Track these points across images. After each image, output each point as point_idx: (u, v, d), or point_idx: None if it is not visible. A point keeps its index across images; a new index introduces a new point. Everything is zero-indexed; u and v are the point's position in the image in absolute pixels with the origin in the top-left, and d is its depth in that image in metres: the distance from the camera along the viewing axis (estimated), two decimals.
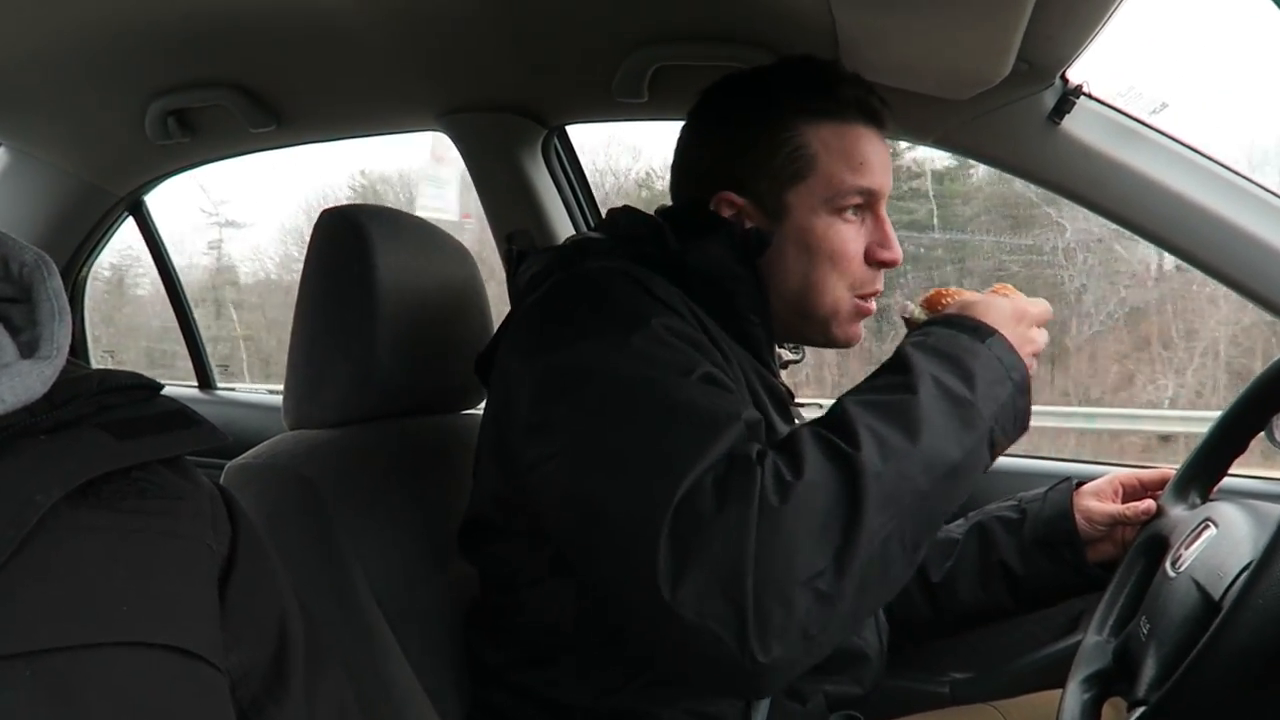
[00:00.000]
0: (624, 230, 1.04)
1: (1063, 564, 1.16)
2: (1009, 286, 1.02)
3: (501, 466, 0.93)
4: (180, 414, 0.56)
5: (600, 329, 0.88)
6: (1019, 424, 0.90)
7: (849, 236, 1.03)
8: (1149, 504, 1.11)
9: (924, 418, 0.82)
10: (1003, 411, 0.87)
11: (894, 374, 0.87)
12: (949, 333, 0.91)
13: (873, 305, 1.07)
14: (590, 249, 1.01)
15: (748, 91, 1.06)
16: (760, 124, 1.03)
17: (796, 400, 1.15)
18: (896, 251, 1.05)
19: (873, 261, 1.04)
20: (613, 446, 0.82)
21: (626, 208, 1.07)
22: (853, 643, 1.04)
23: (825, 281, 1.03)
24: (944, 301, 0.99)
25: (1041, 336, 0.97)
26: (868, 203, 1.04)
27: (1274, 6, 0.72)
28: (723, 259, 0.98)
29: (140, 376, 0.56)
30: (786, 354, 1.18)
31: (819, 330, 1.07)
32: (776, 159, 1.01)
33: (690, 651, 0.75)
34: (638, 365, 0.85)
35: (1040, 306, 0.98)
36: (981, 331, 0.91)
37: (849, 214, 1.03)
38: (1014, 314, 0.94)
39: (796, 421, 1.08)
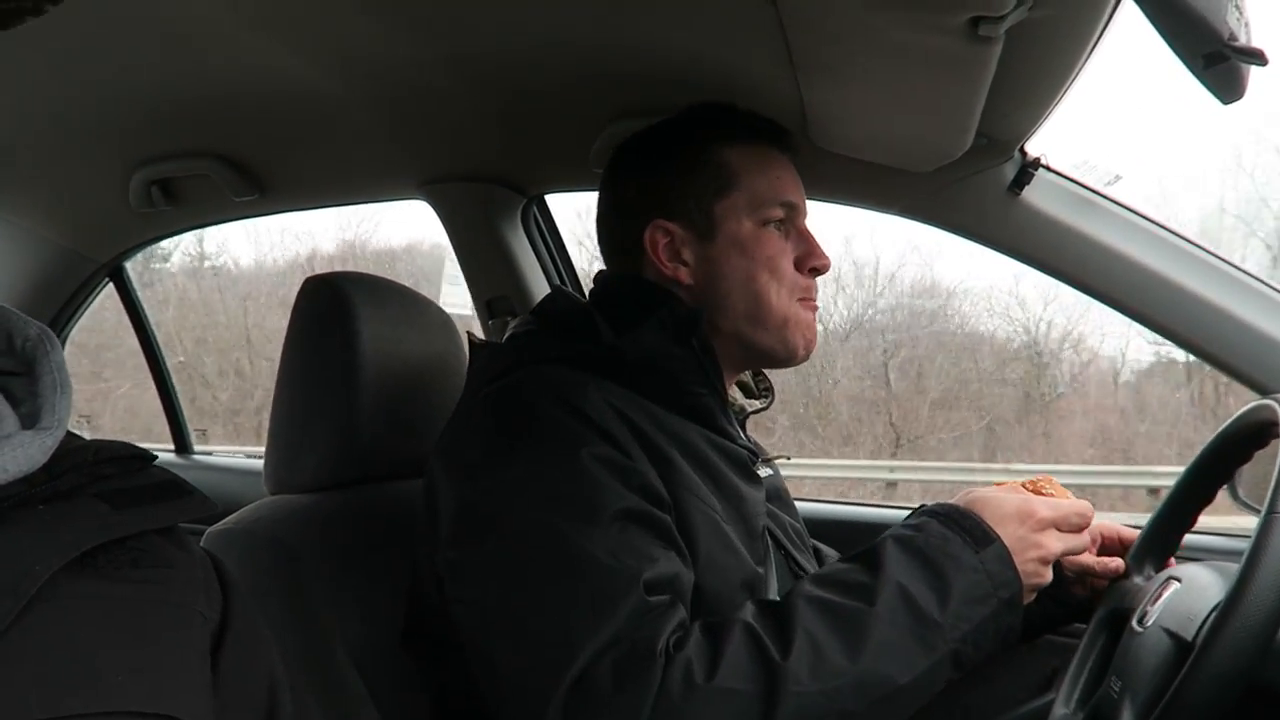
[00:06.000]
0: (557, 319, 1.06)
1: (1044, 597, 1.14)
2: (1050, 479, 1.01)
3: (427, 586, 0.94)
4: (173, 484, 0.57)
5: (518, 461, 0.89)
6: (1000, 641, 0.86)
7: (777, 247, 1.06)
8: (1119, 563, 1.11)
9: (873, 635, 0.80)
10: (978, 631, 0.84)
11: (862, 571, 0.85)
12: (941, 532, 0.88)
13: (816, 306, 1.10)
14: (527, 348, 1.02)
15: (663, 129, 1.12)
16: (680, 151, 1.09)
17: (765, 457, 1.15)
18: (826, 258, 1.09)
19: (804, 270, 1.08)
20: (513, 609, 0.84)
21: (559, 293, 1.10)
22: None
23: (768, 288, 1.05)
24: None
25: (1056, 541, 0.90)
26: (789, 217, 1.08)
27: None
28: (658, 345, 1.00)
29: (133, 447, 0.58)
30: (752, 405, 1.19)
31: (776, 341, 1.07)
32: (700, 178, 1.07)
33: None
34: (546, 513, 0.85)
35: (1061, 510, 0.92)
36: (978, 537, 0.87)
37: (773, 227, 1.07)
38: (1019, 514, 0.90)
39: (763, 475, 1.09)
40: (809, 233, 1.10)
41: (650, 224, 1.07)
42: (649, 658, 0.77)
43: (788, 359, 1.11)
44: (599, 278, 1.15)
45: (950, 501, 0.94)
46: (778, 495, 1.17)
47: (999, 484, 1.03)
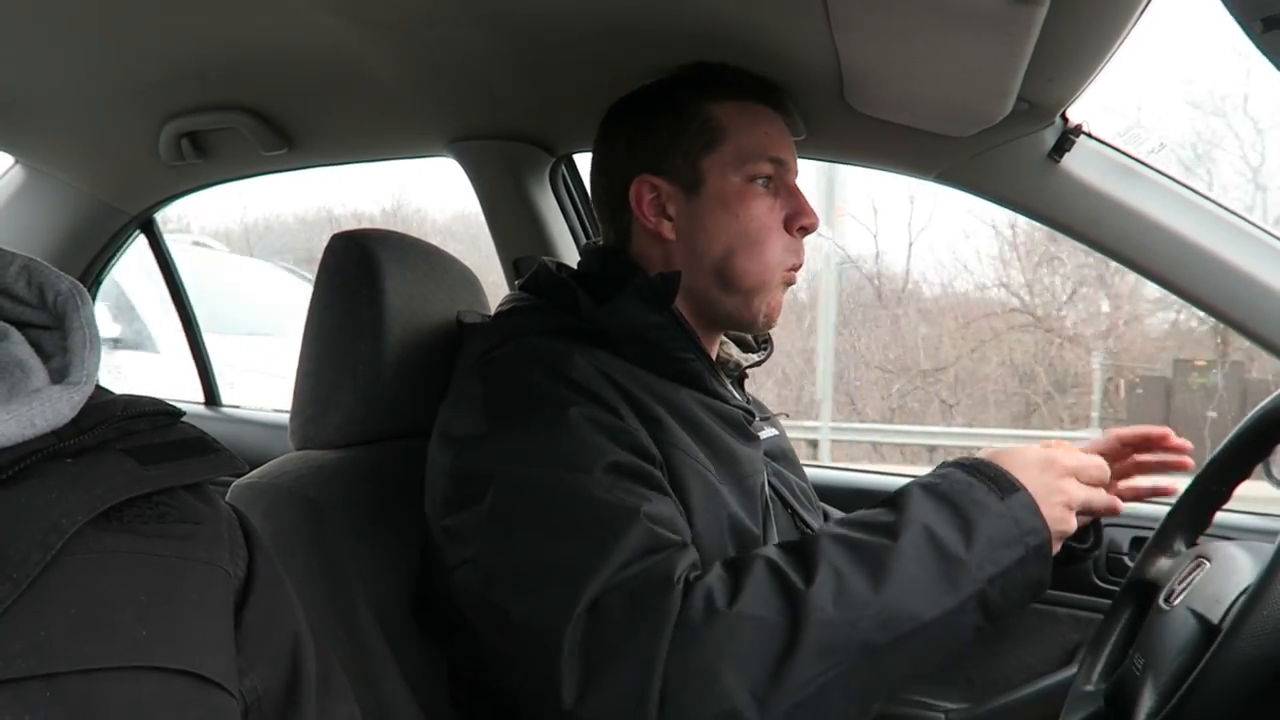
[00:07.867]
0: (544, 292, 1.06)
1: None
2: (1064, 443, 0.99)
3: (433, 560, 0.95)
4: (200, 441, 0.57)
5: (509, 429, 0.90)
6: (1029, 592, 0.85)
7: (764, 206, 1.05)
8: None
9: (897, 568, 0.79)
10: (1005, 577, 0.82)
11: (886, 513, 0.85)
12: (965, 480, 0.87)
13: (795, 276, 1.08)
14: (512, 324, 1.03)
15: (653, 88, 1.12)
16: (668, 106, 1.08)
17: (764, 415, 1.15)
18: (813, 216, 1.07)
19: (793, 230, 1.07)
20: (517, 555, 0.83)
21: (543, 266, 1.09)
22: None
23: (748, 250, 1.04)
24: None
25: (1078, 489, 0.89)
26: (778, 174, 1.07)
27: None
28: (636, 314, 0.99)
29: (162, 403, 0.58)
30: (749, 358, 1.18)
31: (740, 305, 1.06)
32: (687, 132, 1.06)
33: None
34: (538, 467, 0.86)
35: (1082, 461, 0.91)
36: (1003, 485, 0.86)
37: (760, 184, 1.05)
38: (1041, 463, 0.89)
39: (762, 436, 1.09)
40: (798, 191, 1.08)
41: (637, 179, 1.08)
42: (665, 585, 0.77)
43: (748, 325, 1.10)
44: (583, 250, 1.15)
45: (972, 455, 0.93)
46: (783, 455, 1.17)
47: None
